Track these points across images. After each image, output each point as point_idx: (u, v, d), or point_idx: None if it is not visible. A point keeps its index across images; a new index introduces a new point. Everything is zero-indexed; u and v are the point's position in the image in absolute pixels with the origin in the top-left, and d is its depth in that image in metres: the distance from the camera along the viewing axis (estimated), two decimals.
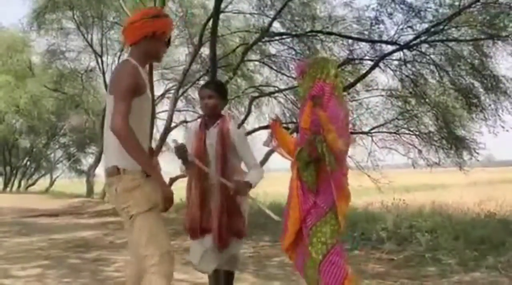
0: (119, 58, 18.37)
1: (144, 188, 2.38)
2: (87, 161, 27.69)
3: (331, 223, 2.74)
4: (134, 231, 2.39)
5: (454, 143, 11.23)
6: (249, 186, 3.10)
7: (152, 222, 2.37)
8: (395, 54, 10.11)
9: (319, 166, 2.77)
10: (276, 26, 11.79)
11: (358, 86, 11.40)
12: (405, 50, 9.90)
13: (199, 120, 3.47)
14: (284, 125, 12.23)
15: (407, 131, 12.01)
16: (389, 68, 10.65)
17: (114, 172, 2.39)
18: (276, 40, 12.12)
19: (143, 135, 2.47)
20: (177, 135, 16.78)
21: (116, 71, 2.48)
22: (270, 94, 13.75)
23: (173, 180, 12.07)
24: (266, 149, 13.44)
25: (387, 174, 12.10)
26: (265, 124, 14.82)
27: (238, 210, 3.18)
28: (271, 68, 13.30)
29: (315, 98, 2.78)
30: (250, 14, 12.56)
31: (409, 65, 10.31)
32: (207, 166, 3.13)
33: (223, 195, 3.11)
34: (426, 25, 9.39)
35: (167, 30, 2.54)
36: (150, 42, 2.48)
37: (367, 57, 10.71)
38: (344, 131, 2.79)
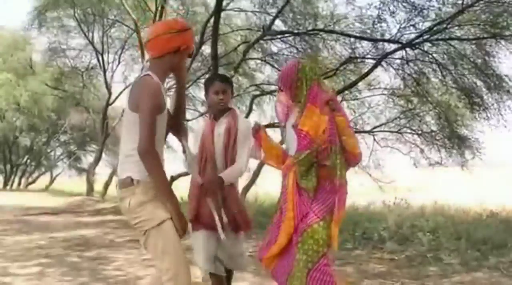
0: (119, 56, 18.40)
1: (157, 201, 2.40)
2: (87, 159, 27.74)
3: (323, 232, 2.63)
4: (149, 247, 2.42)
5: (457, 143, 11.20)
6: (221, 181, 3.09)
7: (165, 236, 2.37)
8: (398, 53, 10.05)
9: (320, 172, 2.70)
10: (278, 24, 11.74)
11: (360, 85, 11.36)
12: (407, 49, 9.85)
13: (207, 115, 3.50)
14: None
15: (409, 130, 11.98)
16: (391, 67, 10.61)
17: (127, 183, 2.40)
18: (277, 38, 12.07)
19: (160, 144, 2.51)
20: None
21: (140, 88, 2.40)
22: (271, 92, 13.71)
23: (173, 178, 12.06)
24: None
25: (389, 173, 12.07)
26: (266, 122, 14.83)
27: (236, 202, 3.19)
28: (273, 66, 13.24)
29: (331, 103, 2.68)
30: (252, 12, 12.51)
31: (411, 64, 10.26)
32: (214, 157, 3.17)
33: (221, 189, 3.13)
34: (428, 24, 9.33)
35: (191, 43, 2.52)
36: (174, 57, 2.46)
37: (369, 56, 10.66)
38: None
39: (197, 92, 16.49)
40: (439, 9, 9.17)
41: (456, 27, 9.36)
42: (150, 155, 2.31)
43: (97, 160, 19.70)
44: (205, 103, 12.68)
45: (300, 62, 2.89)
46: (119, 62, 18.74)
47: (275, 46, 12.82)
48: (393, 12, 9.43)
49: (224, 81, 3.28)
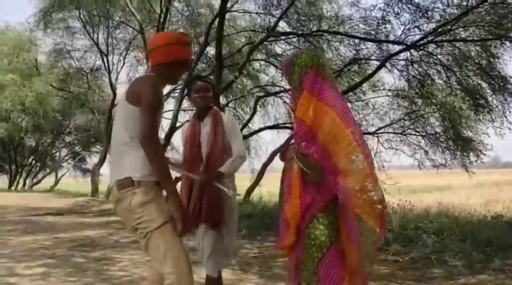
0: (124, 57, 18.45)
1: (158, 201, 2.36)
2: (92, 160, 27.78)
3: (330, 220, 2.58)
4: (150, 249, 2.35)
5: (461, 144, 11.17)
6: (221, 175, 3.22)
7: (168, 238, 2.33)
8: (402, 54, 10.07)
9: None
10: (282, 26, 11.78)
11: (364, 86, 11.37)
12: (412, 50, 9.85)
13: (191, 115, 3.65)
14: (289, 125, 12.22)
15: (413, 132, 11.96)
16: (396, 68, 10.61)
17: (127, 184, 2.34)
18: (282, 39, 12.09)
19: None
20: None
21: (141, 83, 2.44)
22: (275, 93, 13.72)
23: (178, 179, 12.07)
24: (271, 149, 13.41)
25: (393, 175, 12.03)
26: (270, 124, 14.84)
27: (216, 199, 3.25)
28: (277, 67, 13.25)
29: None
30: (256, 13, 12.56)
31: (416, 65, 10.26)
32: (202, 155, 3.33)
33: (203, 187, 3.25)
34: (433, 25, 9.34)
35: (189, 58, 2.60)
36: (172, 68, 2.53)
37: (373, 57, 10.68)
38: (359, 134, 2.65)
39: None
40: (444, 10, 9.18)
41: (461, 29, 9.36)
42: (152, 143, 2.29)
43: (102, 161, 19.71)
44: None
45: (300, 51, 2.93)
46: (123, 63, 18.84)
47: (279, 47, 12.87)
48: (398, 14, 9.46)
49: (205, 81, 3.54)
